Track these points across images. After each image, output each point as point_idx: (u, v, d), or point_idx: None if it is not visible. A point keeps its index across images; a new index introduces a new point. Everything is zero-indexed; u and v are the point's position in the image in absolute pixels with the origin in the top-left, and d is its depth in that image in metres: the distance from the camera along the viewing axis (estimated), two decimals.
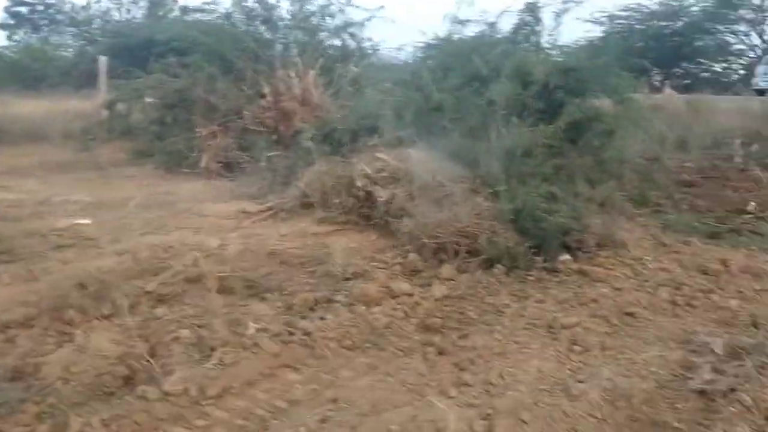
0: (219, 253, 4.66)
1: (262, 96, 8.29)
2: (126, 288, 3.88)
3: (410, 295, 3.99)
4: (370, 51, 10.29)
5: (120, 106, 11.35)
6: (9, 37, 31.81)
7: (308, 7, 9.76)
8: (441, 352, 3.31)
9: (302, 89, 7.88)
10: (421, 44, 8.26)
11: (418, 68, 6.65)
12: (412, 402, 2.84)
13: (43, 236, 4.92)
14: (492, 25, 6.17)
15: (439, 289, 4.13)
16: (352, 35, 10.61)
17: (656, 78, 23.39)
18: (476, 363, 3.17)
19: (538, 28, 5.75)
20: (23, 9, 32.10)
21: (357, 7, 10.11)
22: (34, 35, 31.18)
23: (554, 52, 5.74)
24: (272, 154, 7.14)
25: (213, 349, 3.23)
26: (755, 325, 3.93)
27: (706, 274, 4.84)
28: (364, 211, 5.47)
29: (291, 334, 3.33)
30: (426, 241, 4.76)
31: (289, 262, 4.66)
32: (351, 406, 2.76)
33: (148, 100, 10.85)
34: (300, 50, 8.57)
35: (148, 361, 3.10)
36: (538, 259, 4.77)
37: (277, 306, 3.93)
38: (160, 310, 3.73)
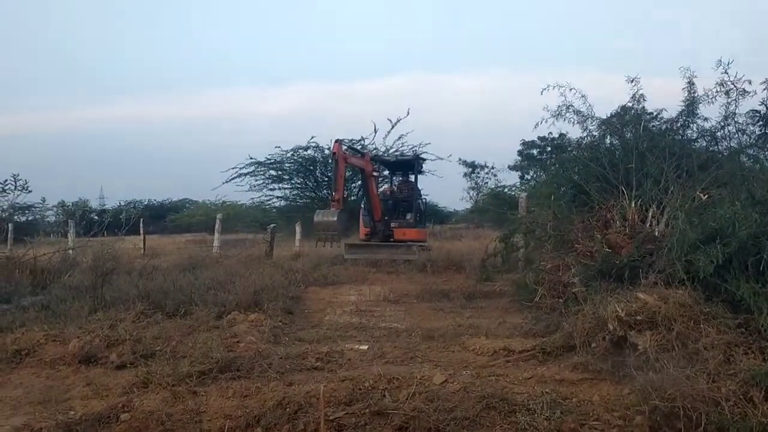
0: (436, 391, 4.58)
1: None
2: (316, 414, 4.18)
3: None
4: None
5: (517, 238, 12.04)
6: (521, 177, 35.89)
7: None
8: None
9: (630, 222, 7.15)
10: None
11: None
12: None
13: (302, 358, 5.55)
14: None
15: None
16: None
17: None
18: None
19: None
20: (534, 151, 36.12)
21: None
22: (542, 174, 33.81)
23: None
24: (576, 289, 6.60)
25: None
26: None
27: None
28: (619, 359, 4.65)
29: None
30: (658, 403, 3.83)
31: (497, 408, 4.27)
32: None
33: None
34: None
35: None
36: None
37: None
38: None
